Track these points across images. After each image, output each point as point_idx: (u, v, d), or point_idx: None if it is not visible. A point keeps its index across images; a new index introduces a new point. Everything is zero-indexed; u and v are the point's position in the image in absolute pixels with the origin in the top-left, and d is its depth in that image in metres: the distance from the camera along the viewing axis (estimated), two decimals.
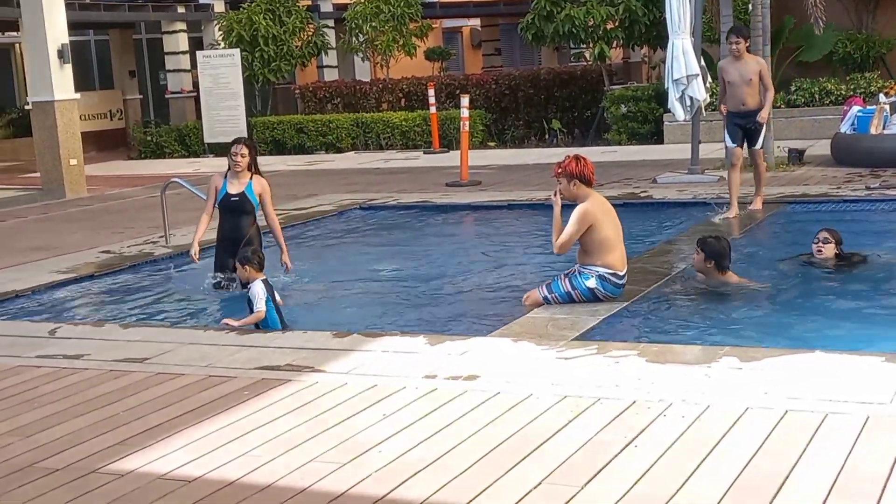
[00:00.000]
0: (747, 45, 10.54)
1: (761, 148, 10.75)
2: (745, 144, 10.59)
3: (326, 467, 4.36)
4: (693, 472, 4.06)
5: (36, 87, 16.45)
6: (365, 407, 5.08)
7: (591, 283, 6.99)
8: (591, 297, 7.02)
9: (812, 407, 4.66)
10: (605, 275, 7.01)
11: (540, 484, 4.05)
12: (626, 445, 4.38)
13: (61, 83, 16.17)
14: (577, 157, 7.14)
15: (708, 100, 13.07)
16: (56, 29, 16.04)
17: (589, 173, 7.07)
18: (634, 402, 4.89)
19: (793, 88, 17.48)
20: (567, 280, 7.08)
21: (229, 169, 8.62)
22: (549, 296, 7.10)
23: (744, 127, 10.50)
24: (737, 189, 10.55)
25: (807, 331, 6.65)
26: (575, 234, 7.01)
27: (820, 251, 7.93)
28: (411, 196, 13.58)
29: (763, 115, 10.45)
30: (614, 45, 20.45)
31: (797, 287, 7.75)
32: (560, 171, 7.11)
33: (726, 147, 10.91)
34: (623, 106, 18.96)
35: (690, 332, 6.74)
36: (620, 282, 7.11)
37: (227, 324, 7.05)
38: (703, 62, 13.10)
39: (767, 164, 13.53)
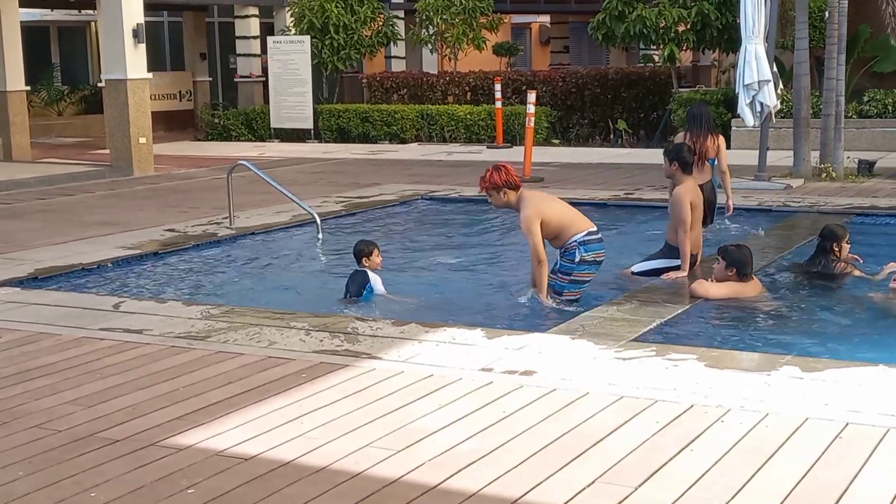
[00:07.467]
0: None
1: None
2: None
3: (380, 453, 4.39)
4: (749, 480, 4.03)
5: (109, 65, 16.73)
6: (420, 396, 5.11)
7: (578, 255, 7.23)
8: (594, 267, 7.34)
9: (873, 421, 4.59)
10: (583, 239, 7.27)
11: (593, 483, 4.04)
12: (682, 449, 4.35)
13: (134, 62, 16.43)
14: (496, 168, 7.35)
15: (778, 106, 12.91)
16: (132, 8, 16.31)
17: (515, 178, 7.31)
18: (692, 406, 4.86)
19: (865, 99, 17.20)
20: (561, 272, 7.32)
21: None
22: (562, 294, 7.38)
23: None
24: None
25: (867, 344, 6.54)
26: (538, 234, 7.18)
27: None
28: (473, 189, 13.56)
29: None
30: (684, 47, 20.27)
31: (853, 300, 7.62)
32: (486, 185, 7.34)
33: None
34: None
35: (751, 338, 6.66)
36: (598, 236, 7.36)
37: None
38: (774, 68, 12.96)
39: (836, 175, 13.39)
